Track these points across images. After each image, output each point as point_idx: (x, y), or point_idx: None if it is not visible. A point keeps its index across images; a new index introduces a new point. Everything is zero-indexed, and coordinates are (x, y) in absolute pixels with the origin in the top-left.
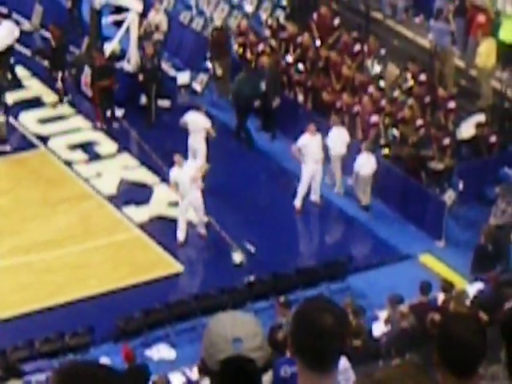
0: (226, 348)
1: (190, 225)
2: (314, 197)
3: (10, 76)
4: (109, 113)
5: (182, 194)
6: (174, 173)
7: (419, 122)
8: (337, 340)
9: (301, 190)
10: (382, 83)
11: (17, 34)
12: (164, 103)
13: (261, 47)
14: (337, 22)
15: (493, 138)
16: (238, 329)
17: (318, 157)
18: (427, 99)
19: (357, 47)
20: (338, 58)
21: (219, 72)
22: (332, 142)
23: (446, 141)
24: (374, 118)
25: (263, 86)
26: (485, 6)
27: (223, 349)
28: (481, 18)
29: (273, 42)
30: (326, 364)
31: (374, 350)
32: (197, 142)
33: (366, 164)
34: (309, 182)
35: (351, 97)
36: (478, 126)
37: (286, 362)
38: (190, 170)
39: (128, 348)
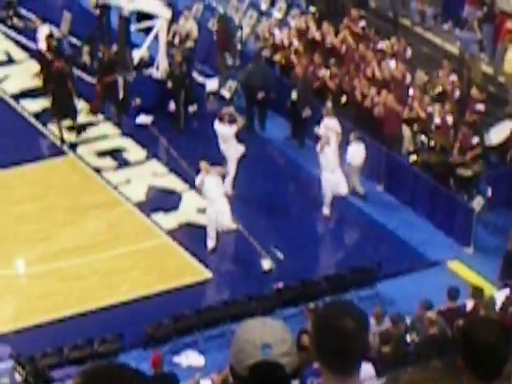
0: (254, 353)
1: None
2: (342, 190)
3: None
4: (113, 108)
5: (211, 201)
6: (200, 179)
7: (448, 123)
8: (358, 342)
9: (326, 200)
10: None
11: None
12: (191, 108)
13: (293, 43)
14: (362, 23)
15: None
16: (267, 334)
17: (333, 166)
18: (455, 100)
19: (380, 45)
20: (371, 57)
21: (230, 62)
22: (323, 131)
23: (475, 147)
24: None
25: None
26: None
27: (252, 354)
28: (509, 25)
29: (300, 47)
30: (349, 367)
31: (402, 356)
32: (226, 150)
33: (356, 154)
34: (330, 190)
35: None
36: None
37: (312, 373)
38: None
39: (158, 355)
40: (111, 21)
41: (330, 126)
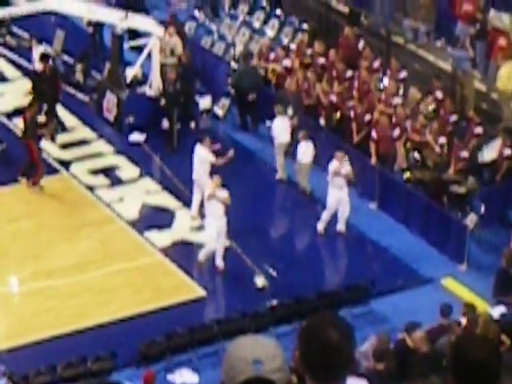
0: (246, 369)
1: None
2: (340, 226)
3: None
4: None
5: (214, 219)
6: (212, 192)
7: (441, 142)
8: (343, 354)
9: (325, 216)
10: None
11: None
12: (192, 124)
13: (285, 63)
14: (361, 45)
15: None
16: (258, 350)
17: (341, 183)
18: (450, 122)
19: (376, 64)
20: (367, 77)
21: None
22: (276, 130)
23: (462, 160)
24: (396, 132)
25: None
26: (506, 29)
27: (243, 370)
28: (502, 42)
29: (296, 64)
30: (334, 378)
31: (397, 373)
32: (200, 175)
33: (306, 152)
34: (334, 208)
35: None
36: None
37: None
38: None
39: (150, 373)
40: (104, 38)
41: (285, 126)
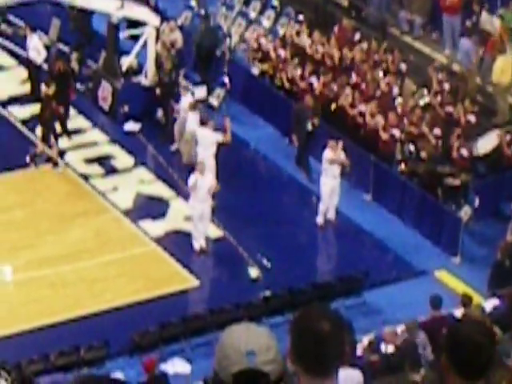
0: (239, 361)
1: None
2: (330, 215)
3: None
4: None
5: (198, 201)
6: (194, 179)
7: (436, 134)
8: (336, 345)
9: (321, 208)
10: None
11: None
12: None
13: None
14: (357, 37)
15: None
16: (252, 341)
17: (336, 172)
18: (445, 114)
19: (375, 57)
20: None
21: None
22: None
23: (463, 156)
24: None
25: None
26: (496, 33)
27: (236, 361)
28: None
29: (288, 54)
30: (327, 369)
31: (391, 364)
32: (206, 158)
33: (193, 121)
34: (328, 198)
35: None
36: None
37: None
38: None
39: (152, 360)
40: (100, 28)
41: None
